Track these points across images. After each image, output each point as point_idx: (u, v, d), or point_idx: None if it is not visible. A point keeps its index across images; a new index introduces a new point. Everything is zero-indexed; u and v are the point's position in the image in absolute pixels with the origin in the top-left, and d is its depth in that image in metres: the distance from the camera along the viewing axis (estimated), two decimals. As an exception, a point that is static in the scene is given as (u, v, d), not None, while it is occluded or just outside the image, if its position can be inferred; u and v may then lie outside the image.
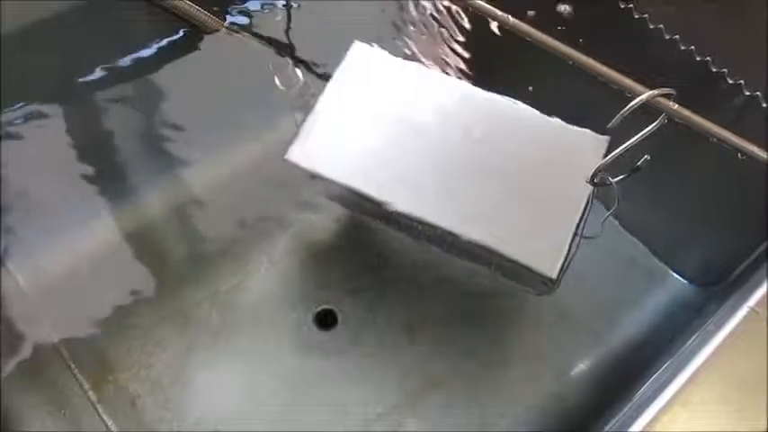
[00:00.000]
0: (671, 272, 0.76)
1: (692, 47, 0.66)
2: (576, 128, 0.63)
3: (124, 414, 0.65)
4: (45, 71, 0.74)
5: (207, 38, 0.76)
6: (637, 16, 0.65)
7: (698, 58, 0.67)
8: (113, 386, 0.66)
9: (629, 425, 0.41)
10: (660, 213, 0.78)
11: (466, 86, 0.66)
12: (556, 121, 0.65)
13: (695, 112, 0.49)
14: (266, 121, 0.71)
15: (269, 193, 0.74)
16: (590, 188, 0.61)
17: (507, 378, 0.71)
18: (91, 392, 0.65)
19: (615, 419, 0.46)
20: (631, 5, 0.65)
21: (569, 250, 0.60)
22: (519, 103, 0.66)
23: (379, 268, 0.74)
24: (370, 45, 0.68)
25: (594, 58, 0.54)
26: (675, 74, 0.66)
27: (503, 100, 0.66)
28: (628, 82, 0.49)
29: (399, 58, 0.68)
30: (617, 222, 0.79)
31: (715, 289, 0.66)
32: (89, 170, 0.76)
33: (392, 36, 0.64)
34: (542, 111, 0.68)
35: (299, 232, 0.74)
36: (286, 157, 0.63)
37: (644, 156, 0.56)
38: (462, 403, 0.69)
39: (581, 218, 0.61)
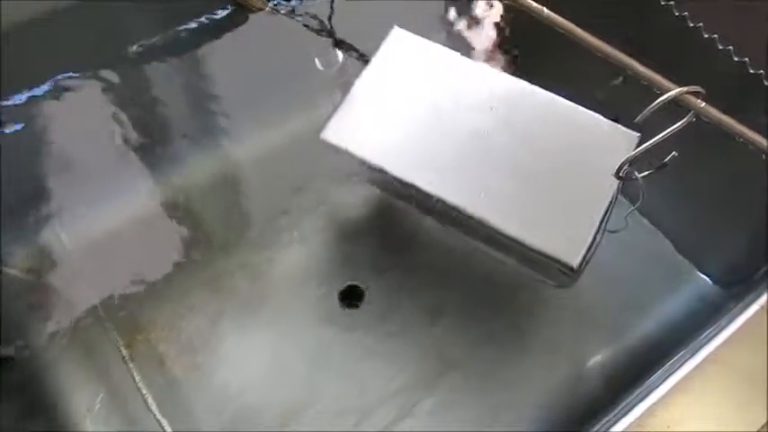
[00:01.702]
0: (696, 271, 0.76)
1: (730, 47, 0.66)
2: (609, 122, 0.64)
3: (153, 371, 0.68)
4: (94, 42, 0.77)
5: (251, 17, 0.78)
6: (677, 14, 0.65)
7: (735, 59, 0.66)
8: (144, 345, 0.69)
9: (630, 411, 0.42)
10: (689, 212, 0.78)
11: (502, 76, 0.67)
12: (590, 114, 0.66)
13: (726, 111, 0.49)
14: (304, 100, 0.73)
15: (304, 170, 0.76)
16: (617, 182, 0.61)
17: (523, 366, 0.72)
18: (123, 349, 0.68)
19: (618, 407, 0.47)
20: (672, 2, 0.65)
21: (593, 242, 0.61)
22: (555, 95, 0.67)
23: (407, 249, 0.76)
24: (410, 31, 0.69)
25: (629, 54, 0.55)
26: (711, 73, 0.66)
27: (537, 90, 0.67)
28: (657, 78, 0.50)
29: (438, 45, 0.69)
30: (645, 219, 0.80)
31: (737, 290, 0.66)
32: (132, 140, 0.79)
33: (432, 23, 0.65)
34: (577, 103, 0.68)
35: (331, 210, 0.77)
36: (321, 135, 0.65)
37: (672, 153, 0.56)
38: (476, 387, 0.71)
39: (606, 211, 0.62)
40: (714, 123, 0.49)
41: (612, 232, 0.66)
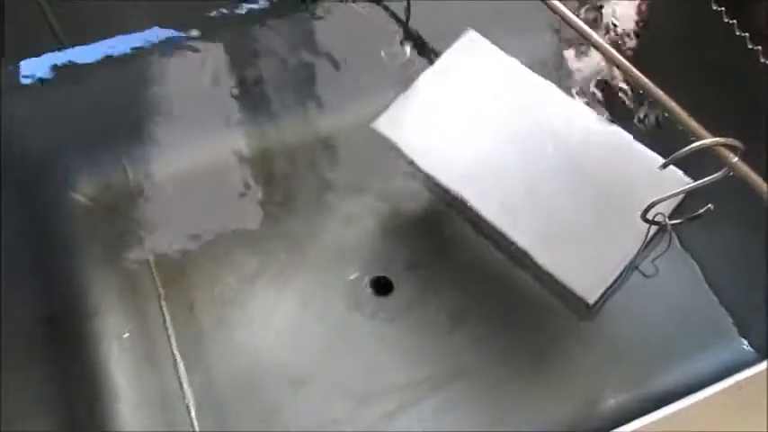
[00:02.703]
0: (736, 331, 0.73)
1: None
2: (659, 158, 0.62)
3: (182, 314, 0.73)
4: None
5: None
6: (763, 60, 0.63)
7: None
8: (179, 288, 0.74)
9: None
10: (744, 271, 0.74)
11: (563, 98, 0.67)
12: (647, 151, 0.64)
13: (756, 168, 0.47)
14: (365, 89, 0.76)
15: (356, 157, 0.79)
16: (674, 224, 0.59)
17: (533, 390, 0.72)
18: (161, 288, 0.74)
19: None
20: (759, 48, 0.62)
21: (615, 281, 0.60)
22: (616, 127, 0.65)
23: (443, 252, 0.77)
24: (483, 36, 0.70)
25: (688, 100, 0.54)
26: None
27: (596, 117, 0.66)
28: (693, 124, 0.48)
29: (507, 55, 0.69)
30: (698, 269, 0.77)
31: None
32: (217, 95, 0.84)
33: (509, 33, 0.66)
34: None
35: (378, 199, 0.78)
36: (373, 124, 0.67)
37: (708, 205, 0.54)
38: (482, 400, 0.71)
39: (638, 251, 0.60)
40: (743, 180, 0.47)
41: (646, 276, 0.64)
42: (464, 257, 0.76)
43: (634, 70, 0.50)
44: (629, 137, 0.66)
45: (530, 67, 0.69)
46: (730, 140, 0.46)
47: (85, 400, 0.67)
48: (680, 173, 0.61)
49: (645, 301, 0.75)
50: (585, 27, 0.53)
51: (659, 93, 0.49)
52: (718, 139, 0.46)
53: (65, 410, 0.65)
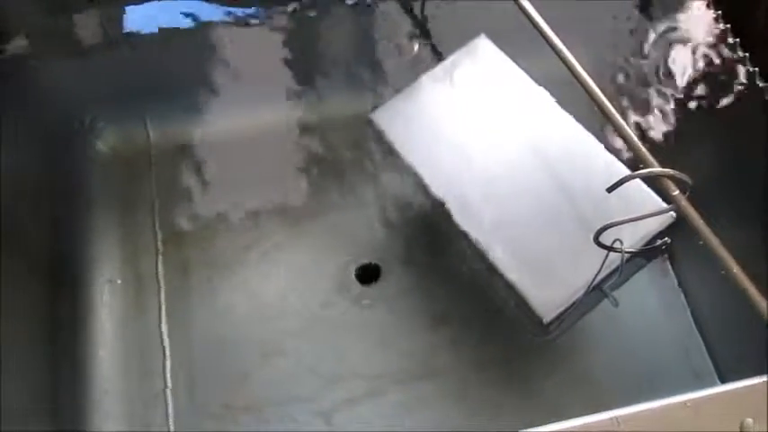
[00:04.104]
0: (717, 381, 0.70)
1: None
2: (650, 192, 0.60)
3: (175, 271, 0.76)
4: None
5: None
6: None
7: None
8: (177, 246, 0.78)
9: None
10: (738, 323, 0.71)
11: (561, 114, 0.66)
12: (637, 182, 0.63)
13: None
14: (369, 81, 0.77)
15: (367, 146, 0.80)
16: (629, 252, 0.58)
17: (501, 402, 0.71)
18: (160, 242, 0.77)
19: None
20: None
21: (576, 303, 0.59)
22: (606, 150, 0.64)
23: (435, 251, 0.77)
24: (495, 43, 0.69)
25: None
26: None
27: (591, 140, 0.65)
28: (645, 153, 0.47)
29: (516, 66, 0.68)
30: (691, 315, 0.75)
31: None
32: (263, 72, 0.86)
33: (523, 44, 0.65)
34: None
35: (380, 189, 0.79)
36: (371, 115, 0.68)
37: (664, 238, 0.53)
38: (448, 403, 0.72)
39: (595, 276, 0.59)
40: (690, 225, 0.46)
41: (615, 306, 0.63)
42: (455, 260, 0.76)
43: (596, 90, 0.49)
44: (620, 165, 0.64)
45: (542, 82, 0.69)
46: (679, 174, 0.45)
47: (70, 340, 0.71)
48: (659, 200, 0.59)
49: (628, 332, 0.74)
50: (552, 35, 0.52)
51: (617, 117, 0.48)
52: (667, 170, 0.45)
53: (49, 349, 0.69)
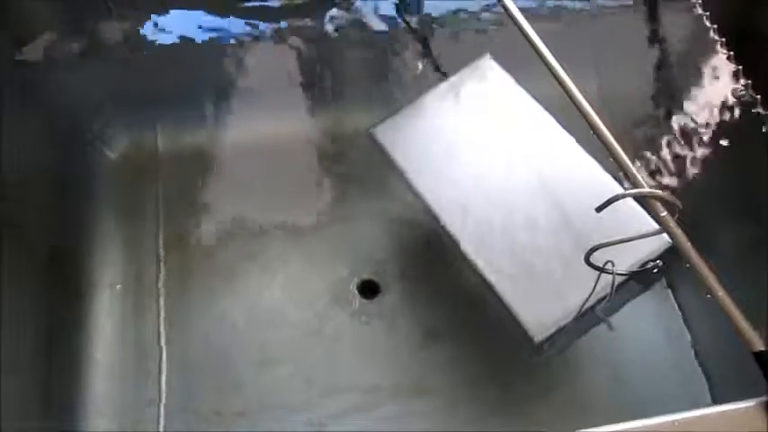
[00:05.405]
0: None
1: None
2: (646, 216, 0.60)
3: (176, 277, 0.77)
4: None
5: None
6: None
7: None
8: (181, 254, 0.79)
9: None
10: (738, 355, 0.71)
11: (565, 137, 0.66)
12: (632, 205, 0.63)
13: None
14: (372, 96, 0.78)
15: (375, 160, 0.81)
16: (623, 276, 0.58)
17: (491, 421, 0.71)
18: (161, 250, 0.79)
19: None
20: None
21: (569, 324, 0.59)
22: (606, 173, 0.64)
23: (435, 266, 0.77)
24: (500, 64, 0.70)
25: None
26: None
27: (591, 163, 0.65)
28: (633, 173, 0.47)
29: (520, 88, 0.69)
30: (690, 340, 0.74)
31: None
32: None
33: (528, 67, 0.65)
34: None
35: (385, 202, 0.80)
36: (372, 130, 0.68)
37: (656, 261, 0.52)
38: (438, 420, 0.71)
39: (587, 299, 0.59)
40: (679, 251, 0.45)
41: (611, 330, 0.62)
42: (453, 277, 0.76)
43: (589, 109, 0.49)
44: (616, 184, 0.64)
45: (545, 104, 0.69)
46: (668, 195, 0.45)
47: (68, 341, 0.72)
48: (656, 225, 0.59)
49: (625, 356, 0.73)
50: (549, 54, 0.52)
51: (606, 133, 0.48)
52: (656, 191, 0.45)
53: (47, 351, 0.69)
